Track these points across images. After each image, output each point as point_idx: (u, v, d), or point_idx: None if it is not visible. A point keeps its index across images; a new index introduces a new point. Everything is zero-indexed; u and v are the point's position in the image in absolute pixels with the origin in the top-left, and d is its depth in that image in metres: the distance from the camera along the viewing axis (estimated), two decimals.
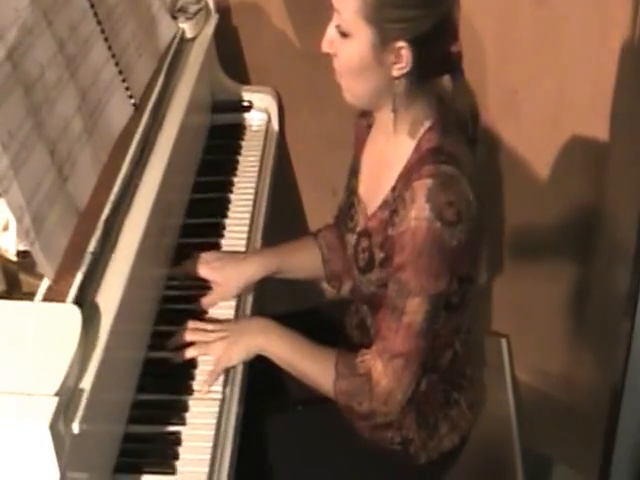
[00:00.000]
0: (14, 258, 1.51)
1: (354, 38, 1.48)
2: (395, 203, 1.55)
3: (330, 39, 1.53)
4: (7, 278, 1.50)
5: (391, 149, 1.61)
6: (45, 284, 1.39)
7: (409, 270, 1.49)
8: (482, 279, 2.33)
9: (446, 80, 1.58)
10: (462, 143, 1.57)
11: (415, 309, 1.51)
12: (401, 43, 1.46)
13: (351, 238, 1.71)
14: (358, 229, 1.68)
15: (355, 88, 1.55)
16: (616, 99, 1.98)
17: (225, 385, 1.62)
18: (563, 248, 2.24)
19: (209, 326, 1.69)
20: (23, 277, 1.50)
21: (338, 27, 1.50)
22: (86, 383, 1.28)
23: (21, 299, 1.45)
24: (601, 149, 2.04)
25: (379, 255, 1.60)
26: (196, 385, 1.61)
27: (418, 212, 1.47)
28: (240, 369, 1.66)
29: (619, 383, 1.93)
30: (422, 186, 1.47)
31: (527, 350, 2.31)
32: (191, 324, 1.68)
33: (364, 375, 1.57)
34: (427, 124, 1.56)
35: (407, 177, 1.53)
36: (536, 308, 2.34)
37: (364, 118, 1.76)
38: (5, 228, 1.52)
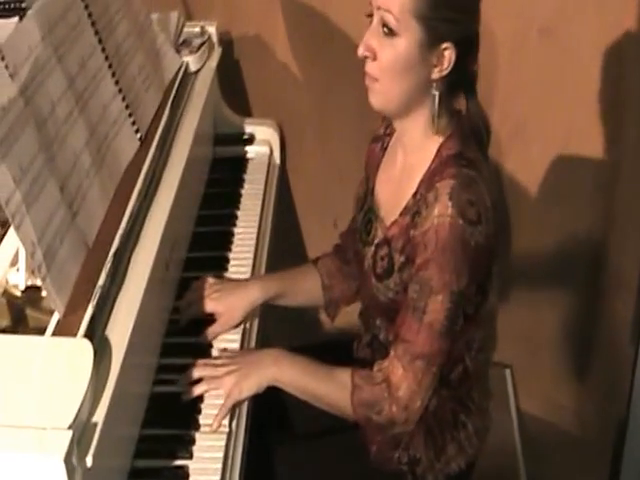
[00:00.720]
0: (20, 294, 1.51)
1: (402, 37, 1.51)
2: (417, 206, 1.59)
3: (369, 42, 1.54)
4: (12, 314, 1.50)
5: (411, 158, 1.65)
6: (55, 318, 1.40)
7: (432, 267, 1.52)
8: (493, 305, 2.35)
9: (461, 98, 1.63)
10: (479, 153, 1.62)
11: (437, 307, 1.53)
12: (447, 44, 1.51)
13: (369, 250, 1.73)
14: (376, 241, 1.71)
15: (391, 90, 1.57)
16: (623, 127, 2.01)
17: (231, 418, 1.62)
18: (568, 277, 2.27)
19: (218, 360, 1.69)
20: (30, 313, 1.51)
21: (385, 25, 1.51)
22: (98, 416, 1.29)
23: (27, 334, 1.45)
24: (608, 177, 2.07)
25: (399, 260, 1.63)
26: (203, 419, 1.61)
27: (441, 209, 1.51)
28: (246, 402, 1.67)
29: (624, 411, 1.94)
30: (445, 186, 1.52)
31: (532, 380, 2.33)
32: (200, 360, 1.68)
33: (383, 382, 1.59)
34: (447, 132, 1.60)
35: (429, 181, 1.57)
36: (540, 338, 2.36)
37: (377, 143, 1.80)
38: (13, 264, 1.53)
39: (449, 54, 1.51)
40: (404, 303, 1.58)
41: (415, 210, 1.59)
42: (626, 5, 1.90)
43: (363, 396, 1.60)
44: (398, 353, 1.57)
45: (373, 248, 1.71)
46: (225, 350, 1.74)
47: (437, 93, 1.56)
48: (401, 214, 1.64)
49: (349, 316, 1.94)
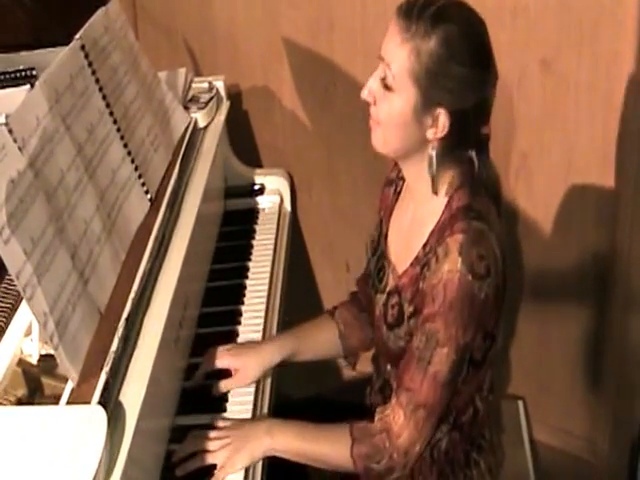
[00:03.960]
0: (35, 362, 1.54)
1: (397, 94, 1.54)
2: (427, 258, 1.60)
3: (371, 90, 1.58)
4: (28, 382, 1.53)
5: (422, 210, 1.67)
6: (69, 386, 1.43)
7: (439, 321, 1.54)
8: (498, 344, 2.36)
9: (471, 155, 1.63)
10: (489, 203, 1.63)
11: (442, 359, 1.55)
12: (441, 110, 1.52)
13: (380, 298, 1.75)
14: (388, 289, 1.73)
15: (390, 138, 1.59)
16: (623, 156, 2.03)
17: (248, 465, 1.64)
18: (577, 304, 2.27)
19: (212, 433, 1.68)
20: (45, 381, 1.53)
21: (383, 80, 1.55)
22: None
23: (43, 403, 1.48)
24: (611, 203, 2.09)
25: (408, 310, 1.65)
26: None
27: (451, 265, 1.52)
28: (260, 464, 1.68)
29: (636, 437, 1.94)
30: (455, 241, 1.54)
31: (544, 410, 2.34)
32: (192, 433, 1.68)
33: (382, 432, 1.61)
34: (456, 184, 1.62)
35: (439, 234, 1.59)
36: (552, 367, 2.36)
37: (391, 187, 1.82)
38: (27, 333, 1.55)
39: (443, 120, 1.53)
40: (408, 351, 1.60)
41: (425, 262, 1.61)
42: (621, 34, 1.92)
43: (363, 449, 1.61)
44: (401, 401, 1.59)
45: (385, 296, 1.73)
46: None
47: (433, 154, 1.57)
48: (412, 264, 1.66)
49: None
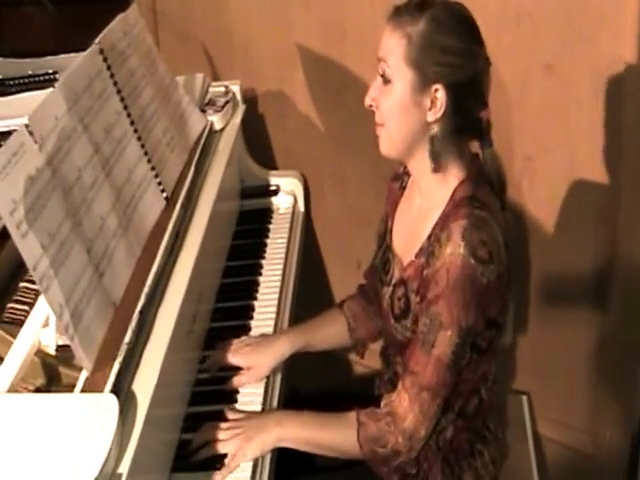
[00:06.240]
0: (53, 353, 1.60)
1: (396, 83, 1.61)
2: (431, 247, 1.64)
3: (372, 94, 1.65)
4: (46, 372, 1.59)
5: (426, 202, 1.72)
6: (84, 375, 1.48)
7: (442, 303, 1.58)
8: (507, 339, 2.39)
9: (476, 147, 1.69)
10: (493, 196, 1.67)
11: (445, 342, 1.59)
12: (437, 85, 1.58)
13: (387, 290, 1.79)
14: (394, 281, 1.77)
15: (394, 134, 1.65)
16: (624, 158, 2.06)
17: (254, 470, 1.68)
18: (579, 303, 2.29)
19: (224, 424, 1.73)
20: (62, 370, 1.59)
21: (382, 75, 1.62)
22: (123, 468, 1.36)
23: (60, 391, 1.54)
24: (612, 204, 2.11)
25: (415, 300, 1.69)
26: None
27: (453, 248, 1.56)
28: (269, 455, 1.72)
29: (637, 430, 1.96)
30: (458, 226, 1.58)
31: (548, 405, 2.37)
32: (206, 425, 1.72)
33: (388, 415, 1.65)
34: (460, 177, 1.67)
35: (443, 223, 1.63)
36: (555, 362, 2.39)
37: (397, 181, 1.87)
38: (45, 324, 1.61)
39: (441, 96, 1.59)
40: (414, 336, 1.65)
41: (430, 251, 1.65)
42: (622, 38, 1.95)
43: (369, 432, 1.66)
44: (406, 385, 1.64)
45: (391, 288, 1.78)
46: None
47: (434, 132, 1.63)
48: (416, 255, 1.70)
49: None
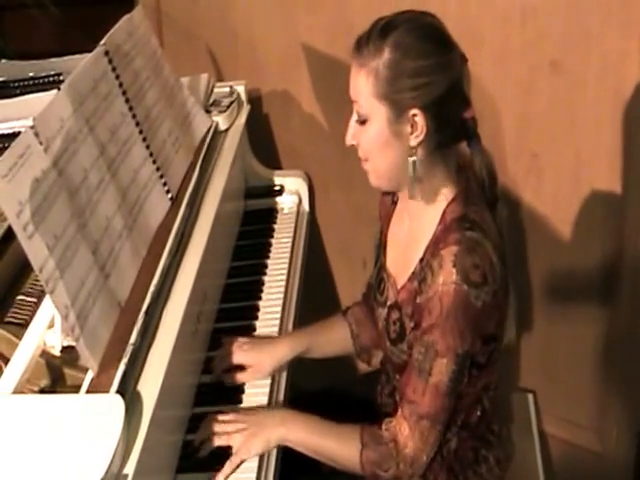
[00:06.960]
0: (58, 354, 1.60)
1: (372, 120, 1.59)
2: (423, 272, 1.63)
3: (352, 132, 1.64)
4: (52, 373, 1.59)
5: (416, 224, 1.70)
6: (89, 376, 1.49)
7: (436, 332, 1.57)
8: (511, 336, 2.39)
9: (464, 147, 1.67)
10: (484, 210, 1.65)
11: (442, 370, 1.58)
12: (414, 111, 1.55)
13: (382, 312, 1.79)
14: (389, 303, 1.76)
15: (379, 167, 1.64)
16: (631, 155, 2.06)
17: (262, 456, 1.69)
18: (586, 300, 2.30)
19: (229, 417, 1.73)
20: (67, 371, 1.59)
21: (357, 116, 1.61)
22: (129, 469, 1.37)
23: (65, 392, 1.54)
24: (619, 201, 2.12)
25: (409, 325, 1.68)
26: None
27: (446, 277, 1.54)
28: (274, 453, 1.72)
29: None
30: (449, 253, 1.56)
31: (554, 403, 2.37)
32: (209, 417, 1.73)
33: (390, 442, 1.65)
34: (450, 196, 1.64)
35: (434, 247, 1.61)
36: (561, 361, 2.39)
37: (388, 195, 1.85)
38: (50, 325, 1.61)
39: (420, 120, 1.55)
40: (409, 363, 1.64)
41: (422, 277, 1.63)
42: (628, 34, 1.95)
43: (371, 455, 1.65)
44: (405, 413, 1.63)
45: (386, 310, 1.77)
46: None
47: (412, 159, 1.59)
48: (409, 279, 1.69)
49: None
